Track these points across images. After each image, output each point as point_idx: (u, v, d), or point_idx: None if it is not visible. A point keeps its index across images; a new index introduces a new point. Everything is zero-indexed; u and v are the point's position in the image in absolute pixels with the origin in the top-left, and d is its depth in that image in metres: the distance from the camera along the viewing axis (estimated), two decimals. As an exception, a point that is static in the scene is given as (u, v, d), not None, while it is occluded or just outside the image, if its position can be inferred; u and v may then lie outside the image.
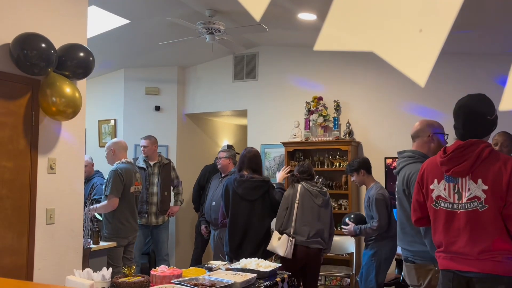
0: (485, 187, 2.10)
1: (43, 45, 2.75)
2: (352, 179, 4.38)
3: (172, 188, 5.34)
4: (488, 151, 2.13)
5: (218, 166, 5.05)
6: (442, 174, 2.24)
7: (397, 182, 2.82)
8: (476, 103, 2.25)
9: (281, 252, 3.61)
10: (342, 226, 4.27)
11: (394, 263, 4.93)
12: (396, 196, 2.84)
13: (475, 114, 2.23)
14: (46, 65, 2.78)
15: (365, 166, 4.24)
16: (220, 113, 6.87)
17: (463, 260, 2.13)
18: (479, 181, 2.11)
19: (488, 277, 2.07)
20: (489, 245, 2.07)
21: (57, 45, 2.89)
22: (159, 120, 6.49)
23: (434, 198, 2.26)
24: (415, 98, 5.40)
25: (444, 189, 2.22)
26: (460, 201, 2.16)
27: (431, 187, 2.28)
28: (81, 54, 3.02)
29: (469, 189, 2.13)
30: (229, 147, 5.87)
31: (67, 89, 2.90)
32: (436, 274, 2.55)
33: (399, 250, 4.52)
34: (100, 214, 4.08)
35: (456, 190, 2.18)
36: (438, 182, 2.25)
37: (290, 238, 3.63)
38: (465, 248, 2.12)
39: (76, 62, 2.99)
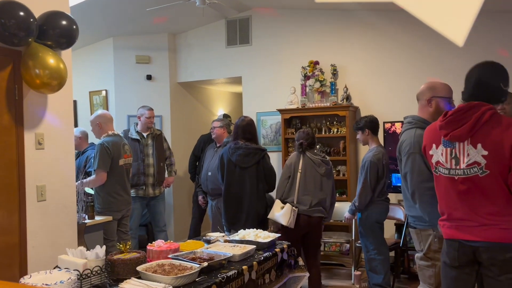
0: (485, 153, 2.00)
1: (21, 13, 2.58)
2: (357, 137, 4.34)
3: (164, 159, 5.25)
4: (490, 114, 2.01)
5: (213, 136, 4.95)
6: (440, 139, 2.16)
7: None
8: (492, 69, 2.13)
9: (283, 221, 3.57)
10: (344, 216, 4.29)
11: (394, 227, 4.93)
12: (398, 161, 2.78)
13: (489, 79, 2.10)
14: (26, 34, 2.62)
15: (371, 126, 4.18)
16: (213, 81, 6.71)
17: (468, 228, 2.06)
18: (479, 146, 2.01)
19: (495, 246, 2.01)
20: (493, 211, 2.00)
21: (36, 14, 2.72)
22: (151, 90, 6.34)
23: (434, 164, 2.19)
24: (414, 60, 5.25)
25: (442, 154, 2.14)
26: (458, 167, 2.08)
27: (430, 152, 2.22)
28: (64, 22, 2.85)
29: (468, 154, 2.04)
30: (226, 116, 5.75)
31: (51, 60, 2.75)
32: (435, 239, 2.52)
33: (396, 215, 4.52)
34: (92, 188, 4.00)
35: (453, 155, 2.10)
36: (436, 147, 2.18)
37: (293, 207, 3.59)
38: (468, 214, 2.05)
39: (58, 31, 2.83)
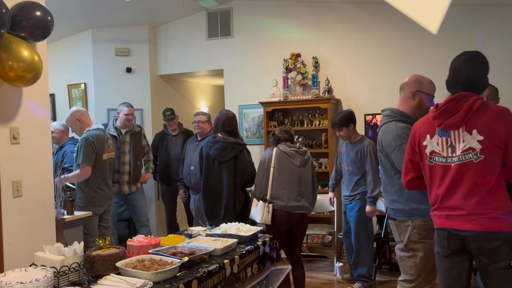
0: (481, 138, 2.06)
1: (-7, 3, 2.49)
2: (339, 134, 4.27)
3: (142, 156, 5.19)
4: (480, 102, 2.10)
5: (198, 131, 4.88)
6: (435, 129, 2.20)
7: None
8: (477, 61, 2.21)
9: (257, 219, 3.53)
10: (367, 211, 4.15)
11: (375, 219, 4.97)
12: (378, 154, 2.78)
13: (476, 72, 2.19)
14: (-2, 26, 2.53)
15: (354, 119, 4.22)
16: (195, 74, 6.64)
17: (457, 217, 2.10)
18: (474, 131, 2.07)
19: (483, 235, 2.04)
20: (482, 200, 2.04)
21: (9, 4, 2.63)
22: (132, 83, 6.24)
23: (428, 154, 2.22)
24: (394, 53, 5.27)
25: (437, 143, 2.18)
26: (454, 154, 2.13)
27: (424, 143, 2.24)
28: (38, 13, 2.76)
29: (463, 141, 2.10)
30: (169, 110, 5.57)
31: (25, 52, 2.66)
32: (413, 229, 2.54)
33: (378, 206, 4.58)
34: (73, 183, 3.92)
35: (449, 143, 2.15)
36: (431, 138, 2.21)
37: (266, 204, 3.54)
38: (459, 201, 2.09)
39: (32, 22, 2.74)
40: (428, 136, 2.22)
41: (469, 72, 2.18)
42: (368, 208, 4.10)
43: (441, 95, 3.00)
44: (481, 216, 2.03)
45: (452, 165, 2.12)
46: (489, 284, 2.09)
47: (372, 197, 4.05)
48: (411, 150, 2.34)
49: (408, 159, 2.36)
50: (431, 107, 2.42)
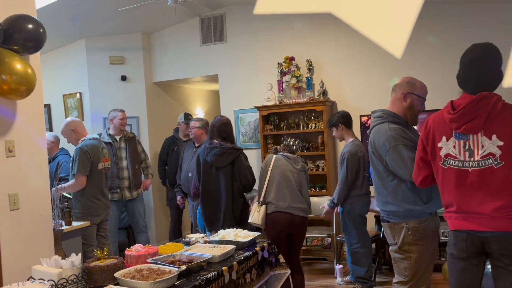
0: (501, 143, 1.98)
1: (-15, 18, 2.50)
2: (333, 134, 4.40)
3: (140, 162, 5.21)
4: (501, 104, 2.01)
5: (191, 136, 4.91)
6: (451, 131, 2.11)
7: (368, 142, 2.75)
8: (489, 54, 2.10)
9: (250, 218, 3.60)
10: (323, 210, 4.32)
11: (373, 220, 4.98)
12: (369, 156, 2.77)
13: (490, 66, 2.08)
14: (-10, 40, 2.54)
15: (343, 121, 4.22)
16: (190, 80, 6.65)
17: (477, 219, 2.04)
18: (494, 137, 2.00)
19: (505, 236, 1.99)
20: (506, 203, 1.98)
21: (1, 18, 2.65)
22: (127, 91, 6.25)
23: (442, 156, 2.14)
24: (388, 54, 5.28)
25: (454, 146, 2.10)
26: (472, 159, 2.04)
27: (439, 145, 2.15)
28: (30, 26, 2.77)
29: (482, 146, 2.02)
30: (188, 115, 5.64)
31: (18, 65, 2.67)
32: (408, 231, 2.52)
33: (376, 207, 4.58)
34: (69, 193, 3.93)
35: (466, 147, 2.06)
36: (447, 140, 2.12)
37: (260, 205, 3.59)
38: (480, 207, 2.02)
39: (24, 35, 2.75)
40: (444, 138, 2.13)
41: (481, 67, 2.07)
42: (325, 208, 4.26)
43: (437, 97, 3.02)
44: (503, 218, 1.98)
45: (470, 170, 2.04)
46: (505, 286, 2.03)
47: (332, 202, 4.15)
48: (423, 149, 2.25)
49: (420, 158, 2.28)
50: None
